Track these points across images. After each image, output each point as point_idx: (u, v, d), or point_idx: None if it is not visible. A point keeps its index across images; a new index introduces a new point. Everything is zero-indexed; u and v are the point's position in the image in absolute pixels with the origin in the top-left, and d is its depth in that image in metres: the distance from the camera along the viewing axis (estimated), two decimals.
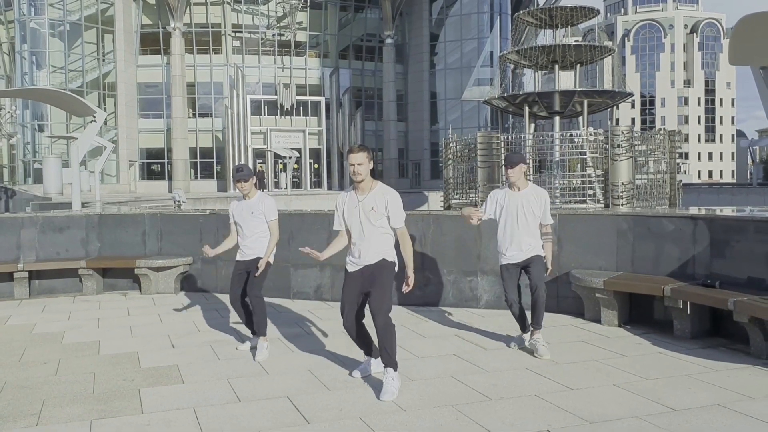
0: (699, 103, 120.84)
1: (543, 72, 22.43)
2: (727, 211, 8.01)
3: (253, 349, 6.37)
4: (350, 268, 5.27)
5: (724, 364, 5.73)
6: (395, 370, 5.08)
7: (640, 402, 4.83)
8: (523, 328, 6.44)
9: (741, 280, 6.58)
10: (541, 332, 6.23)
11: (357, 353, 5.88)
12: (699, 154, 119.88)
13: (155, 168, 54.11)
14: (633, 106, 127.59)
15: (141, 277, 9.83)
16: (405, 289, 5.17)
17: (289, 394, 5.13)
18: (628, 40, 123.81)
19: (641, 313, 7.33)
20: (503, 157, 6.45)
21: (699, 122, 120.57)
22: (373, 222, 5.09)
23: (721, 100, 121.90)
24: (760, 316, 5.66)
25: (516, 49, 20.44)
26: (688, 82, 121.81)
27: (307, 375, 5.65)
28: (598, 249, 7.72)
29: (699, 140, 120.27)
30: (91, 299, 9.54)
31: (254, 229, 6.28)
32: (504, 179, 6.21)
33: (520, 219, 6.11)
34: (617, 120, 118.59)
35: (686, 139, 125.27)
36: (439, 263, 8.44)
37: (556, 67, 19.70)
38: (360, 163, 4.99)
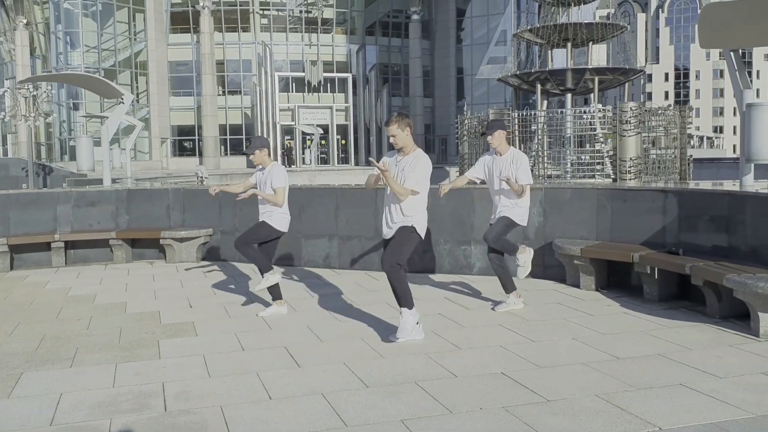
0: None
1: (575, 48, 22.62)
2: (705, 185, 8.54)
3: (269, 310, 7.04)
4: (386, 235, 5.87)
5: (678, 323, 6.35)
6: (410, 308, 5.77)
7: (590, 352, 5.50)
8: (508, 288, 6.98)
9: (706, 248, 7.17)
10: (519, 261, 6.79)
11: (353, 313, 6.75)
12: (734, 128, 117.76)
13: (186, 145, 55.41)
14: (666, 79, 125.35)
15: (166, 247, 10.70)
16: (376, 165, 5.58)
17: (286, 345, 5.91)
18: (663, 12, 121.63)
19: (618, 279, 7.95)
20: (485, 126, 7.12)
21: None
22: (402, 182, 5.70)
23: (758, 72, 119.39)
24: (712, 280, 6.25)
25: (529, 27, 20.84)
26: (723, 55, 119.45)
27: (305, 330, 6.41)
28: (580, 220, 8.33)
29: (735, 114, 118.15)
30: (121, 267, 10.45)
31: None
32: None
33: (498, 182, 6.71)
34: (650, 94, 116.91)
35: (721, 113, 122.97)
36: (436, 233, 9.12)
37: (568, 45, 20.10)
38: (393, 135, 5.64)
